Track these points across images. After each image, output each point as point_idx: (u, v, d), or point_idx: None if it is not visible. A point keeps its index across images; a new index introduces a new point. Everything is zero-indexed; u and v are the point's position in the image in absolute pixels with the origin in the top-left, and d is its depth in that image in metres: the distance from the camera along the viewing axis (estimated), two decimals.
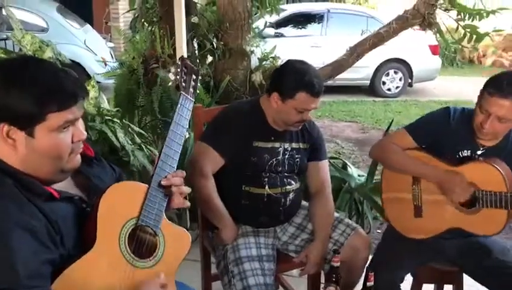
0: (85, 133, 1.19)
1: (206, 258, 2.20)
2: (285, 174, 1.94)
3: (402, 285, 1.92)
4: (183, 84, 1.40)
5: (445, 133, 1.87)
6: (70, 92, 1.11)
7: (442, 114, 1.92)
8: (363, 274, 1.70)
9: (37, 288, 1.00)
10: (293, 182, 1.96)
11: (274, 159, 1.91)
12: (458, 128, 1.86)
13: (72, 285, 1.10)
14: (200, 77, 1.47)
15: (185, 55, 3.02)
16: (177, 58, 2.68)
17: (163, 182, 1.29)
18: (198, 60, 3.42)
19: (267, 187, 1.90)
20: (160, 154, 1.32)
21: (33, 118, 1.07)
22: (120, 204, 1.23)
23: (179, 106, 1.36)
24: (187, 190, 1.35)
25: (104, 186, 1.24)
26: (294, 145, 1.97)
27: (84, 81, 1.20)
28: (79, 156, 1.20)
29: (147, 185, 1.28)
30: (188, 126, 1.39)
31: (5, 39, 4.70)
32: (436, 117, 1.94)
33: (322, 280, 2.00)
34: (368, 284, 1.56)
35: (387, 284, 1.80)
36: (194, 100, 1.41)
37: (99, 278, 1.16)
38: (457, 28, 3.19)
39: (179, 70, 1.42)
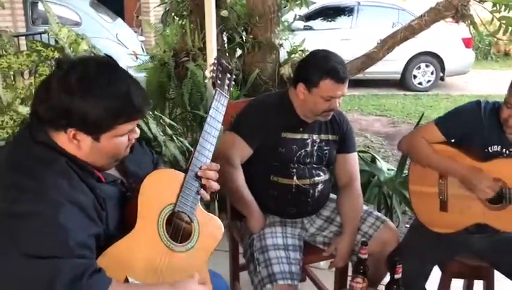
0: (138, 131, 1.26)
1: (234, 248, 2.23)
2: (314, 165, 1.95)
3: (431, 280, 1.91)
4: (219, 81, 1.48)
5: (475, 128, 1.85)
6: (139, 108, 1.18)
7: (473, 108, 1.89)
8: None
9: (85, 258, 1.06)
10: (321, 174, 1.97)
11: (303, 151, 1.92)
12: (489, 123, 1.83)
13: (114, 262, 1.15)
14: (234, 76, 1.55)
15: (215, 49, 3.05)
16: (212, 56, 2.76)
17: (199, 173, 1.36)
18: (227, 54, 3.45)
19: (295, 178, 1.91)
20: (196, 147, 1.38)
21: (103, 127, 1.15)
22: (159, 190, 1.29)
23: (214, 101, 1.44)
24: (216, 186, 1.41)
25: (142, 172, 1.31)
26: (323, 136, 1.97)
27: (147, 94, 1.28)
28: (128, 148, 1.28)
29: (183, 174, 1.34)
30: (221, 120, 1.45)
31: (41, 33, 4.83)
32: (466, 111, 1.90)
33: (350, 272, 2.00)
34: (396, 276, 1.55)
35: (412, 274, 1.79)
36: (228, 97, 1.48)
37: (139, 258, 1.21)
38: (492, 19, 3.12)
39: (214, 68, 1.50)
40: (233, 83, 1.55)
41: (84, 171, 1.16)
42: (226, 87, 1.50)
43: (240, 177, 1.86)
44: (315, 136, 1.95)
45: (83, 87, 1.11)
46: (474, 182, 1.79)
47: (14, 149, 1.17)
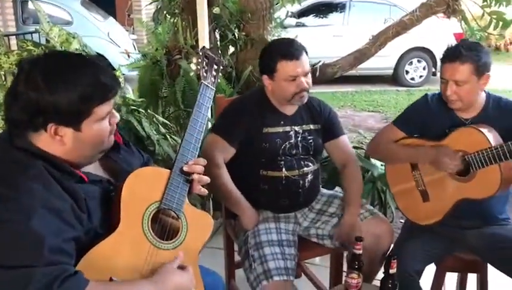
0: (117, 115, 1.25)
1: (229, 245, 2.24)
2: (301, 156, 1.97)
3: (425, 273, 1.92)
4: (204, 74, 1.46)
5: (427, 118, 1.95)
6: (110, 86, 1.17)
7: (422, 101, 2.01)
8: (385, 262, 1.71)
9: (58, 264, 1.03)
10: (310, 164, 1.99)
11: (287, 143, 1.94)
12: (439, 109, 1.93)
13: (96, 264, 1.14)
14: (221, 67, 1.53)
15: (207, 46, 3.04)
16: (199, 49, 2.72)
17: (185, 168, 1.34)
18: (220, 51, 3.45)
19: (284, 170, 1.93)
20: (182, 141, 1.37)
21: (80, 115, 1.13)
22: (143, 188, 1.27)
23: (200, 94, 1.43)
24: (206, 179, 1.40)
25: (131, 170, 1.29)
26: (305, 127, 2.00)
27: (115, 74, 1.26)
28: (112, 136, 1.26)
29: (169, 170, 1.33)
30: (209, 114, 1.43)
31: (32, 32, 4.80)
32: (417, 105, 2.02)
33: (345, 268, 2.01)
34: (391, 271, 1.56)
35: (407, 274, 1.80)
36: (214, 89, 1.46)
37: (123, 258, 1.19)
38: (483, 14, 3.13)
39: (199, 60, 1.47)
40: (220, 74, 1.53)
41: (63, 173, 1.14)
42: (212, 78, 1.48)
43: (224, 177, 1.88)
44: (297, 128, 1.98)
45: (49, 80, 1.10)
46: (439, 157, 1.85)
47: None
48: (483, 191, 1.81)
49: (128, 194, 1.22)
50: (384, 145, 2.04)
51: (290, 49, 1.86)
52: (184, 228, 1.32)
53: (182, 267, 1.25)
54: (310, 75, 1.93)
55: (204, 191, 1.42)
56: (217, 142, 1.91)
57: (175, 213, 1.32)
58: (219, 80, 3.15)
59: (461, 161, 1.82)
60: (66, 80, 1.11)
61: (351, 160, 2.09)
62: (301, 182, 1.96)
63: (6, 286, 0.99)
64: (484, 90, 1.90)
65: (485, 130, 1.80)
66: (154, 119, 3.07)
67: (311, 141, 2.00)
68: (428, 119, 1.95)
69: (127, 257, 1.20)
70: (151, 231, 1.25)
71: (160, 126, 3.04)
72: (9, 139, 1.14)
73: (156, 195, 1.28)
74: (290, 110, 1.99)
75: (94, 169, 1.28)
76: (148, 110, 3.18)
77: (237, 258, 2.26)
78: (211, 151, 1.88)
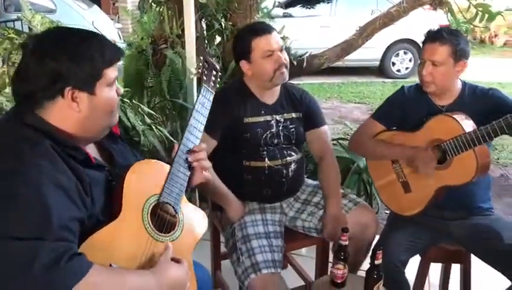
0: (121, 88, 1.29)
1: (215, 237, 2.23)
2: (283, 145, 1.97)
3: (410, 264, 1.94)
4: (205, 78, 1.53)
5: (405, 108, 1.99)
6: (114, 49, 1.23)
7: (399, 93, 2.07)
8: (370, 253, 1.72)
9: (65, 241, 1.04)
10: (293, 154, 1.99)
11: (268, 132, 1.94)
12: (415, 98, 1.99)
13: (97, 250, 1.14)
14: (219, 73, 1.61)
15: (193, 36, 3.01)
16: (191, 43, 2.90)
17: (190, 158, 1.39)
18: (206, 41, 3.41)
19: (267, 160, 1.93)
20: (181, 139, 1.41)
21: (94, 76, 1.18)
22: (144, 180, 1.29)
23: (201, 96, 1.48)
24: (208, 164, 1.45)
25: (126, 164, 1.31)
26: (286, 115, 1.99)
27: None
28: (117, 113, 1.31)
29: (169, 166, 1.36)
30: (207, 115, 1.50)
31: (14, 20, 4.70)
32: (395, 97, 2.08)
33: (330, 259, 2.02)
34: (376, 262, 1.57)
35: (389, 268, 1.82)
36: (213, 92, 1.53)
37: (122, 246, 1.20)
38: (469, 7, 3.14)
39: (201, 64, 1.54)
40: (219, 80, 1.59)
41: (70, 152, 1.16)
42: (212, 83, 1.54)
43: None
44: (278, 117, 1.97)
45: (62, 47, 1.16)
46: (413, 164, 1.90)
47: (0, 131, 1.17)
48: (461, 178, 1.83)
49: (131, 185, 1.24)
50: (364, 142, 2.07)
51: (260, 26, 1.94)
52: (181, 222, 1.34)
53: (176, 261, 1.26)
54: (285, 52, 1.94)
55: (209, 176, 1.47)
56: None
57: (173, 208, 1.34)
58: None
59: (436, 153, 1.86)
60: (76, 45, 1.17)
61: (329, 152, 2.10)
62: (284, 171, 1.96)
63: (15, 257, 0.98)
64: (460, 79, 1.95)
65: (459, 117, 1.83)
66: (140, 109, 3.03)
67: (292, 129, 2.00)
68: (406, 110, 1.98)
69: (125, 246, 1.20)
70: (150, 223, 1.26)
71: (145, 116, 3.00)
72: (19, 117, 1.16)
73: (156, 188, 1.31)
74: (270, 98, 1.98)
75: (95, 156, 1.30)
76: (133, 101, 3.14)
77: (223, 249, 2.26)
78: None
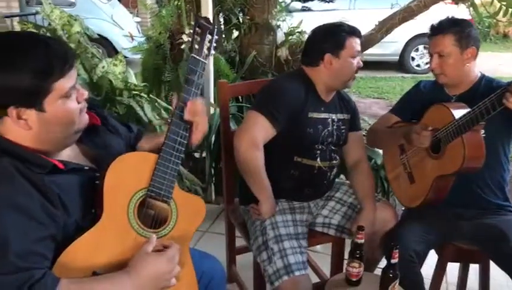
0: (86, 91, 1.19)
1: (230, 231, 2.23)
2: (332, 147, 1.95)
3: (428, 264, 1.91)
4: (196, 46, 1.34)
5: (421, 101, 2.00)
6: (65, 59, 1.11)
7: (415, 87, 2.11)
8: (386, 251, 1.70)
9: (25, 270, 0.99)
10: (337, 157, 1.99)
11: (326, 130, 1.92)
12: (430, 92, 2.02)
13: (78, 258, 1.10)
14: (216, 37, 1.41)
15: None
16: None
17: (186, 116, 1.28)
18: (224, 35, 3.41)
19: (318, 160, 1.91)
20: (170, 121, 1.30)
21: (40, 92, 1.07)
22: (127, 175, 1.21)
23: (189, 69, 1.33)
24: (205, 121, 1.34)
25: (113, 154, 1.23)
26: (339, 116, 1.99)
27: (70, 47, 1.19)
28: (86, 115, 1.21)
29: (156, 155, 1.26)
30: (212, 99, 1.37)
31: (34, 14, 4.76)
32: (411, 92, 2.12)
33: (346, 256, 2.01)
34: (392, 261, 1.55)
35: (403, 260, 1.79)
36: (206, 61, 1.36)
37: (107, 250, 1.15)
38: (492, 1, 3.07)
39: (191, 31, 1.37)
40: (214, 44, 1.39)
41: (32, 167, 1.08)
42: (206, 51, 1.36)
43: (261, 159, 1.81)
44: (334, 116, 1.96)
45: (1, 60, 1.05)
46: (408, 135, 1.89)
47: None
48: (450, 167, 1.82)
49: (111, 182, 1.16)
50: (377, 131, 2.12)
51: (356, 28, 1.95)
52: (174, 214, 1.27)
53: (158, 251, 1.20)
54: None
55: (204, 129, 1.35)
56: (259, 121, 1.81)
57: (163, 200, 1.26)
58: (223, 65, 3.14)
59: (431, 137, 1.84)
60: (19, 58, 1.06)
61: (365, 156, 2.10)
62: (328, 173, 1.96)
63: None
64: (480, 72, 1.95)
65: (452, 105, 1.84)
66: (157, 104, 3.04)
67: (343, 130, 1.99)
68: (423, 103, 1.98)
69: (111, 248, 1.15)
70: (137, 220, 1.20)
71: (162, 111, 3.01)
72: None
73: (142, 182, 1.22)
74: (328, 97, 1.97)
75: (75, 157, 1.23)
76: (151, 95, 3.16)
77: (238, 243, 2.26)
78: (252, 130, 1.80)
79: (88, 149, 1.28)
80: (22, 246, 1.00)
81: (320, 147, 1.90)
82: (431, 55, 1.93)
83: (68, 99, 1.12)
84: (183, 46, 3.13)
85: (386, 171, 2.18)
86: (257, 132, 1.80)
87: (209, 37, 1.36)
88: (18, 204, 1.02)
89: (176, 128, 1.29)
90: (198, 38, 1.35)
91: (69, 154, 1.22)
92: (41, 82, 1.07)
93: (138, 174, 1.23)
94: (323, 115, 1.93)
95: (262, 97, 1.94)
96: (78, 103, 1.16)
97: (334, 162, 1.97)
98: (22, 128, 1.09)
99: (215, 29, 1.40)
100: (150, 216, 1.25)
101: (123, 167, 1.20)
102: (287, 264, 1.72)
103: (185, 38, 1.45)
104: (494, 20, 3.25)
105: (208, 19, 1.39)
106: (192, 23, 3.13)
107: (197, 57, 1.33)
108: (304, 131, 1.86)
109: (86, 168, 1.22)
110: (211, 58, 2.89)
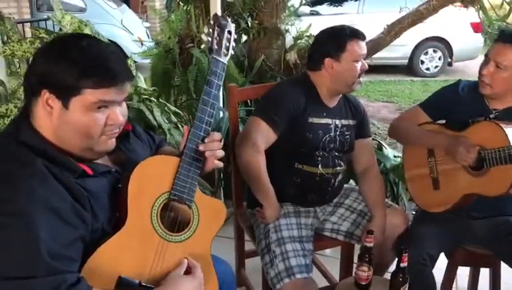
0: (122, 118, 1.18)
1: (239, 235, 2.23)
2: (336, 153, 1.93)
3: (438, 268, 1.90)
4: (216, 46, 1.33)
5: (455, 104, 1.91)
6: (111, 73, 1.11)
7: (452, 86, 1.98)
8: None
9: (59, 273, 1.00)
10: (342, 164, 1.97)
11: (327, 136, 1.90)
12: (468, 97, 1.90)
13: (104, 264, 1.11)
14: (235, 36, 1.40)
15: None
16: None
17: (201, 148, 1.27)
18: None
19: (320, 167, 1.90)
20: (191, 125, 1.30)
21: (70, 89, 1.09)
22: (150, 180, 1.22)
23: (210, 71, 1.32)
24: (222, 153, 1.34)
25: (138, 159, 1.24)
26: (343, 121, 1.97)
27: (128, 66, 1.21)
28: (113, 140, 1.20)
29: (178, 158, 1.26)
30: (221, 103, 1.37)
31: (46, 20, 4.81)
32: (446, 90, 2.00)
33: (355, 260, 2.00)
34: (402, 265, 1.55)
35: (415, 262, 1.78)
36: (226, 62, 1.35)
37: (132, 254, 1.16)
38: (502, 3, 3.06)
39: (211, 30, 1.35)
40: (233, 44, 1.38)
41: (63, 170, 1.10)
42: (225, 50, 1.35)
43: (263, 164, 1.82)
44: (337, 121, 1.94)
45: (58, 51, 1.11)
46: (455, 146, 1.81)
47: None
48: (493, 189, 1.77)
49: (135, 186, 1.17)
50: (406, 126, 2.01)
51: (357, 30, 1.90)
52: (195, 217, 1.28)
53: (189, 271, 1.22)
54: None
55: (221, 164, 1.34)
56: (260, 126, 1.83)
57: (186, 203, 1.27)
58: (232, 69, 3.15)
59: (477, 155, 1.78)
60: (73, 52, 1.10)
61: (375, 163, 2.08)
62: (332, 180, 1.95)
63: None
64: None
65: (507, 128, 1.74)
66: (166, 108, 3.06)
67: (347, 136, 1.97)
68: (455, 105, 1.91)
69: (135, 253, 1.17)
70: (161, 224, 1.21)
71: (172, 115, 3.03)
72: (15, 131, 1.12)
73: (164, 186, 1.23)
74: (332, 102, 1.95)
75: (103, 160, 1.24)
76: (160, 99, 3.18)
77: (247, 247, 2.26)
78: (253, 135, 1.81)
79: (117, 154, 1.28)
80: (54, 248, 1.00)
81: (321, 153, 1.89)
82: (487, 59, 1.83)
83: (95, 113, 1.12)
84: (202, 46, 3.14)
85: (404, 167, 2.09)
86: (258, 137, 1.81)
87: (227, 35, 1.35)
88: (51, 206, 1.03)
89: (197, 131, 1.29)
90: (217, 38, 1.33)
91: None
92: (74, 81, 1.08)
93: (161, 177, 1.23)
94: (324, 120, 1.91)
95: (263, 103, 1.96)
96: (106, 124, 1.14)
97: (339, 168, 1.95)
98: (46, 115, 1.11)
99: (233, 26, 1.39)
100: (173, 220, 1.26)
101: (146, 171, 1.21)
102: (288, 267, 1.72)
103: (204, 38, 1.43)
104: (504, 24, 3.24)
105: (226, 16, 1.38)
106: (202, 29, 3.16)
107: (218, 58, 1.33)
108: (303, 136, 1.86)
109: (112, 170, 1.23)
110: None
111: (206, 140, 1.29)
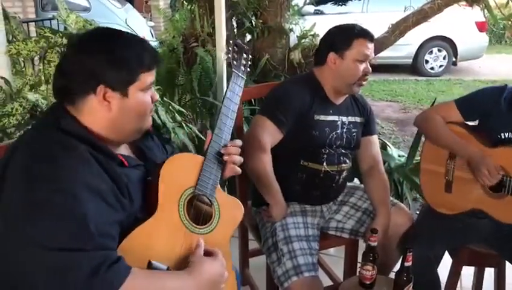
0: (157, 95, 1.30)
1: (244, 234, 2.24)
2: (342, 150, 1.93)
3: (442, 267, 1.90)
4: (235, 62, 1.48)
5: (492, 111, 1.83)
6: (155, 56, 1.23)
7: (494, 91, 1.86)
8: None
9: (104, 249, 1.03)
10: (347, 161, 1.96)
11: (334, 133, 1.90)
12: (506, 109, 1.80)
13: (136, 247, 1.15)
14: (250, 56, 1.56)
15: (224, 34, 3.02)
16: (221, 42, 2.79)
17: (222, 150, 1.37)
18: (236, 39, 3.42)
19: (325, 164, 1.90)
20: (214, 130, 1.40)
21: (128, 79, 1.17)
22: (179, 173, 1.30)
23: (231, 83, 1.45)
24: (240, 160, 1.42)
25: (157, 159, 1.33)
26: (350, 118, 1.96)
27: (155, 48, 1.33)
28: (150, 118, 1.30)
29: (203, 157, 1.36)
30: (239, 102, 1.46)
31: (50, 19, 4.83)
32: (488, 94, 1.88)
33: (359, 259, 2.00)
34: (406, 264, 1.54)
35: (423, 261, 1.78)
36: (244, 78, 1.49)
37: (160, 241, 1.21)
38: (508, 2, 3.05)
39: (230, 49, 1.50)
40: (249, 63, 1.55)
41: (106, 157, 1.15)
42: (242, 68, 1.50)
43: (269, 163, 1.82)
44: (344, 118, 1.94)
45: (103, 46, 1.17)
46: (480, 164, 1.78)
47: (37, 135, 1.16)
48: (507, 217, 1.78)
49: (166, 179, 1.25)
50: (433, 122, 1.94)
51: (368, 32, 1.87)
52: (217, 213, 1.34)
53: (209, 253, 1.25)
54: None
55: (239, 171, 1.43)
56: (266, 125, 1.83)
57: (208, 199, 1.34)
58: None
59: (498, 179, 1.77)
60: (117, 47, 1.17)
61: (380, 161, 2.06)
62: (337, 177, 1.94)
63: (55, 269, 0.97)
64: None
65: None
66: (170, 107, 3.07)
67: (354, 134, 1.96)
68: (492, 113, 1.83)
69: (163, 240, 1.22)
70: (187, 216, 1.27)
71: (176, 114, 3.03)
72: (54, 119, 1.16)
73: (190, 180, 1.31)
74: (339, 99, 1.95)
75: (129, 154, 1.30)
76: (164, 98, 3.19)
77: (251, 246, 2.27)
78: (259, 134, 1.82)
79: (138, 150, 1.35)
80: (100, 225, 1.04)
81: (327, 150, 1.89)
82: None
83: (146, 93, 1.22)
84: (197, 51, 3.15)
85: (421, 157, 2.05)
86: (264, 136, 1.82)
87: (244, 56, 1.52)
88: (94, 186, 1.07)
89: (219, 135, 1.39)
90: (236, 56, 1.50)
91: (123, 150, 1.29)
92: (133, 70, 1.18)
93: (188, 173, 1.32)
94: (331, 118, 1.91)
95: (268, 101, 1.96)
96: (152, 101, 1.26)
97: (344, 165, 1.94)
98: (104, 109, 1.17)
99: (249, 50, 1.56)
100: (197, 213, 1.32)
101: (175, 166, 1.29)
102: (296, 265, 1.72)
103: (223, 56, 1.57)
104: (510, 22, 3.22)
105: (242, 41, 1.55)
106: (206, 28, 3.16)
107: (239, 73, 1.47)
108: (310, 134, 1.86)
109: (141, 165, 1.30)
110: (224, 62, 2.92)
111: (228, 144, 1.39)
